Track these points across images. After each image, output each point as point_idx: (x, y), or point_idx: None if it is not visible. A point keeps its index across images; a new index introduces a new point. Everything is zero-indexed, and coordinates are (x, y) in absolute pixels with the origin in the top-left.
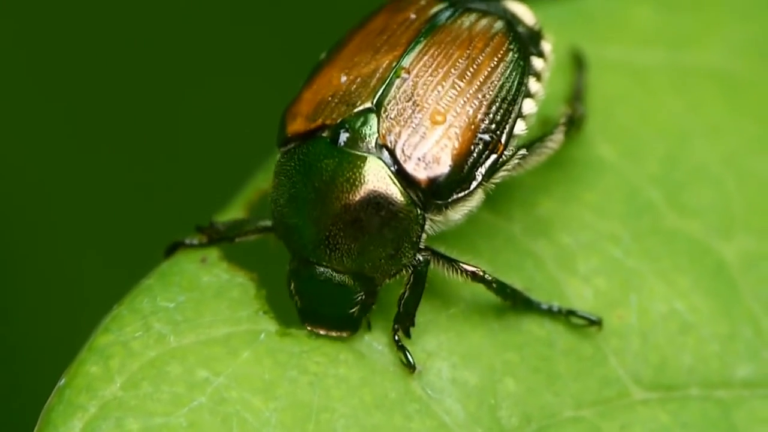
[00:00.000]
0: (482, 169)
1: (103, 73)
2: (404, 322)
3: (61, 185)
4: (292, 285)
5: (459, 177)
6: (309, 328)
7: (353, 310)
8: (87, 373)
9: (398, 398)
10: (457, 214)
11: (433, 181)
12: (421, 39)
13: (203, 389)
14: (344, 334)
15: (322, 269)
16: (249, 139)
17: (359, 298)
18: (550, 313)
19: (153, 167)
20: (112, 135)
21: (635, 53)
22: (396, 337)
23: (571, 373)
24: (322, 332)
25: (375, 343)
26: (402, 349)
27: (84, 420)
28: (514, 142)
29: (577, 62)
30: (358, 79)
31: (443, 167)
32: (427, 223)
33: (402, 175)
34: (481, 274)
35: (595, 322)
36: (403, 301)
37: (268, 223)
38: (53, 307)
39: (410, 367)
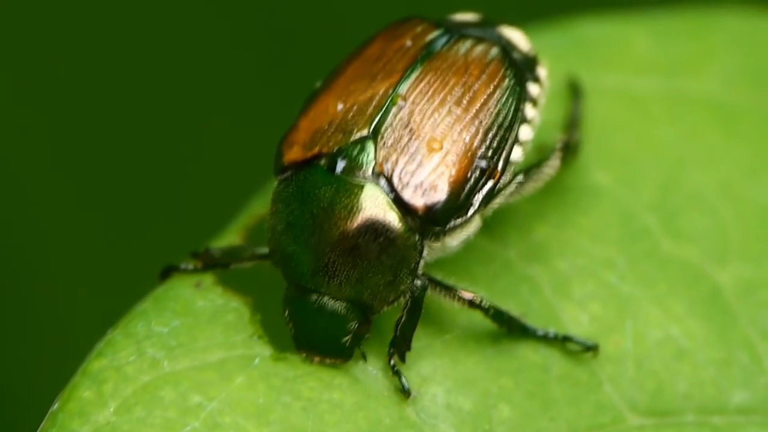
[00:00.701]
0: (479, 196)
1: (97, 97)
2: (400, 346)
3: (56, 208)
4: (287, 312)
5: (456, 204)
6: (304, 354)
7: (346, 338)
8: (80, 397)
9: (392, 424)
10: (454, 240)
11: (430, 209)
12: (418, 66)
13: (197, 414)
14: (338, 362)
15: (316, 297)
16: (245, 165)
17: (352, 326)
18: (546, 339)
19: (149, 192)
20: (106, 159)
21: (632, 81)
22: (392, 362)
23: (566, 399)
24: (317, 359)
25: (370, 367)
26: (397, 374)
27: None
28: (511, 169)
29: (574, 90)
30: (355, 107)
31: (440, 194)
32: (424, 249)
33: (399, 203)
34: (478, 301)
35: (591, 348)
36: (399, 326)
37: (264, 250)
38: (46, 331)
39: (405, 393)
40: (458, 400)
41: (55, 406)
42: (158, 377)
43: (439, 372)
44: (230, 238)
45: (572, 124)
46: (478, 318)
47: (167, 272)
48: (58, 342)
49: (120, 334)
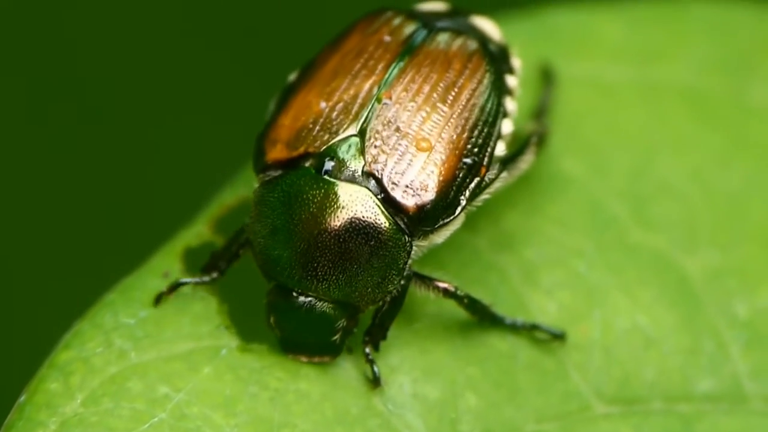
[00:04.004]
0: (467, 193)
1: (65, 90)
2: (376, 335)
3: (24, 199)
4: (272, 318)
5: (446, 203)
6: (291, 357)
7: (336, 336)
8: (47, 389)
9: (360, 413)
10: (440, 237)
11: (421, 209)
12: (400, 63)
13: (164, 405)
14: (326, 359)
15: (303, 299)
16: (213, 155)
17: (341, 324)
18: (515, 328)
19: (117, 183)
20: (74, 149)
21: (602, 68)
22: (366, 350)
23: (533, 388)
24: (304, 359)
25: (337, 357)
26: (371, 362)
27: None
28: (495, 164)
29: (546, 77)
30: (339, 105)
31: (430, 194)
32: (413, 250)
33: (389, 203)
34: (453, 290)
35: (559, 336)
36: (380, 315)
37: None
38: (13, 323)
39: (376, 382)
40: (425, 389)
41: (23, 398)
42: (126, 368)
43: (407, 362)
44: (198, 228)
45: (543, 112)
46: (446, 307)
47: (174, 287)
48: (24, 333)
49: (87, 325)
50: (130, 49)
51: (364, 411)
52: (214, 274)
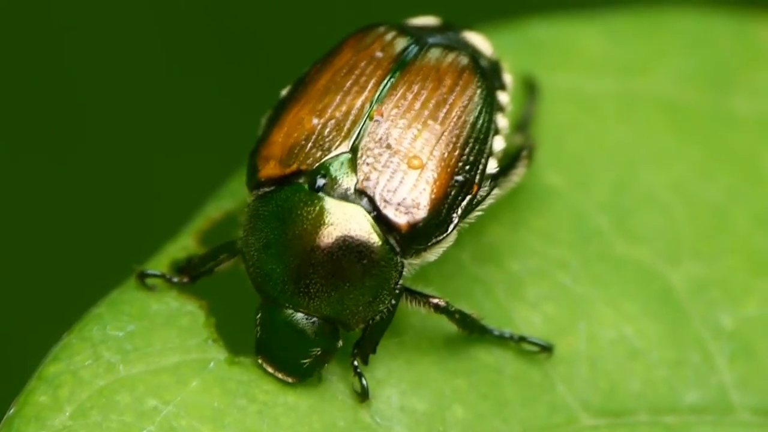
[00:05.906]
0: (459, 211)
1: (52, 102)
2: (366, 348)
3: (5, 215)
4: (260, 315)
5: (437, 221)
6: (260, 360)
7: (307, 360)
8: (36, 402)
9: (347, 426)
10: (432, 255)
11: (413, 227)
12: (391, 79)
13: (152, 418)
14: (290, 379)
15: (292, 313)
16: (197, 168)
17: (318, 351)
18: (502, 340)
19: (103, 196)
20: (58, 160)
21: (584, 81)
22: (354, 363)
23: (519, 400)
24: (269, 369)
25: (324, 371)
26: (359, 375)
27: None
28: (487, 182)
29: (530, 90)
30: (331, 122)
31: (422, 212)
32: (405, 268)
33: (381, 221)
34: (444, 305)
35: (547, 348)
36: (369, 329)
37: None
38: (0, 336)
39: (364, 395)
40: (412, 401)
41: (11, 410)
42: (114, 381)
43: (394, 374)
44: (184, 241)
45: (526, 125)
46: (431, 319)
47: (142, 277)
48: (12, 345)
49: (76, 338)
50: (116, 62)
51: (351, 424)
52: (185, 279)
